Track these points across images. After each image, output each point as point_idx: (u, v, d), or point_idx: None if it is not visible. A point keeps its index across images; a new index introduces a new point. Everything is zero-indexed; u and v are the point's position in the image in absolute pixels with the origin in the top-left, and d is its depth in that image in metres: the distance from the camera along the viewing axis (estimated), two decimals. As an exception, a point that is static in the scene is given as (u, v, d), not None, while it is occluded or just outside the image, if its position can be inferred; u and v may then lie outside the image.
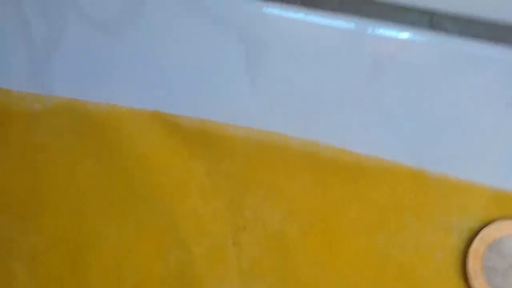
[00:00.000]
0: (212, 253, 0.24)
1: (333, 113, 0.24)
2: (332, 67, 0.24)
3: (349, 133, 0.24)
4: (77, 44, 0.25)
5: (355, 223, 0.22)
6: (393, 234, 0.22)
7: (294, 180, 0.23)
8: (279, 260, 0.23)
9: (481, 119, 0.23)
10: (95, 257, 0.24)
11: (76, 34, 0.25)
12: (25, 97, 0.25)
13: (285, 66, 0.24)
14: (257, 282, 0.23)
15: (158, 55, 0.25)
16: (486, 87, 0.22)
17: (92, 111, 0.24)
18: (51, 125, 0.25)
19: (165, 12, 0.25)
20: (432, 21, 0.23)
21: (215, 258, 0.24)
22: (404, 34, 0.22)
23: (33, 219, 0.25)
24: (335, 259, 0.23)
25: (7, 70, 0.25)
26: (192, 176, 0.24)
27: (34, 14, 0.25)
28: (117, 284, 0.24)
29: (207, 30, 0.24)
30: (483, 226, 0.23)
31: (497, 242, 0.23)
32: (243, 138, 0.23)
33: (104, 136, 0.24)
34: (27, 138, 0.25)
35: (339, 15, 0.23)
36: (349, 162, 0.23)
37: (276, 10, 0.23)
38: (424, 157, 0.23)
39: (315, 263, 0.23)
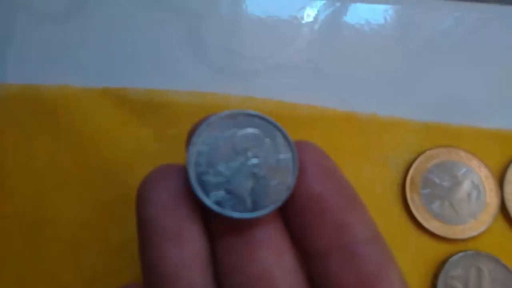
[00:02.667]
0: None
1: (269, 73, 0.26)
2: (267, 34, 0.26)
3: (285, 90, 0.25)
4: (28, 36, 0.27)
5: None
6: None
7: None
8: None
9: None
10: (53, 232, 0.25)
11: (26, 27, 0.27)
12: (-21, 88, 0.26)
13: (221, 35, 0.26)
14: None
15: (105, 39, 0.27)
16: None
17: (45, 94, 0.26)
18: (6, 111, 0.26)
19: (109, 1, 0.27)
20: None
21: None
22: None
23: (-9, 203, 0.25)
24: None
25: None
26: (141, 144, 0.25)
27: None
28: (77, 256, 0.25)
29: (148, 12, 0.26)
30: (416, 158, 0.24)
31: (430, 170, 0.24)
32: (187, 102, 0.25)
33: (57, 116, 0.26)
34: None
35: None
36: (286, 113, 0.24)
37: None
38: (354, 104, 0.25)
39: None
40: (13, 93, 0.26)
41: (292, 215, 0.15)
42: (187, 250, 0.14)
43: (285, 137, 0.15)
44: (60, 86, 0.26)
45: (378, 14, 0.27)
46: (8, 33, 0.27)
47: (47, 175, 0.26)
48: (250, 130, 0.15)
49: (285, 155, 0.15)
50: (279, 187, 0.15)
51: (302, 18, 0.27)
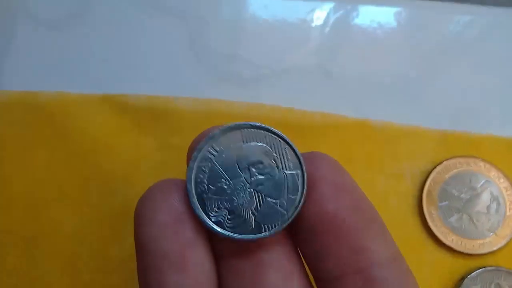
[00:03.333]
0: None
1: (276, 79, 0.25)
2: (274, 38, 0.25)
3: (293, 96, 0.24)
4: (26, 42, 0.26)
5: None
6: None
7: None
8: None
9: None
10: (51, 247, 0.24)
11: (25, 33, 0.26)
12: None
13: (226, 40, 0.25)
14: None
15: (105, 44, 0.26)
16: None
17: (43, 101, 0.25)
18: (4, 120, 0.25)
19: (110, 6, 0.26)
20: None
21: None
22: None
23: (-13, 216, 0.24)
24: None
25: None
26: (142, 154, 0.24)
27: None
28: (74, 272, 0.23)
29: (149, 17, 0.25)
30: (433, 168, 0.23)
31: (448, 182, 0.23)
32: (190, 110, 0.24)
33: (55, 125, 0.25)
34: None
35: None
36: (295, 120, 0.23)
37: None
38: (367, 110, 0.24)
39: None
40: (11, 100, 0.25)
41: (304, 236, 0.14)
42: (190, 277, 0.13)
43: (293, 151, 0.14)
44: (59, 92, 0.25)
45: (390, 16, 0.26)
46: (6, 39, 0.26)
47: (44, 187, 0.24)
48: (254, 143, 0.14)
49: (293, 171, 0.14)
50: (286, 207, 0.14)
51: (311, 21, 0.25)
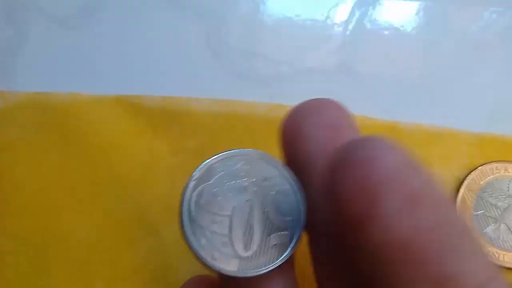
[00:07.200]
0: (183, 234, 0.22)
1: (296, 77, 0.23)
2: (295, 35, 0.24)
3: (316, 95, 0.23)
4: (39, 41, 0.25)
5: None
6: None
7: (261, 148, 0.22)
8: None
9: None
10: (63, 254, 0.23)
11: (37, 32, 0.25)
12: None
13: (244, 37, 0.24)
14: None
15: (119, 43, 0.25)
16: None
17: (55, 103, 0.24)
18: (15, 122, 0.24)
19: (124, 2, 0.25)
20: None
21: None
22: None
23: (-2, 221, 0.24)
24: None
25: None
26: (157, 157, 0.23)
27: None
28: (87, 280, 0.22)
29: (164, 14, 0.24)
30: (467, 174, 0.21)
31: (483, 189, 0.21)
32: (207, 111, 0.23)
33: (67, 127, 0.24)
34: (-9, 138, 0.24)
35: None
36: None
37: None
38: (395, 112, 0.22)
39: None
40: (22, 102, 0.24)
41: (364, 265, 0.10)
42: None
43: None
44: (71, 93, 0.24)
45: (417, 11, 0.24)
46: (19, 38, 0.25)
47: (56, 192, 0.24)
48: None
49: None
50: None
51: (334, 17, 0.24)
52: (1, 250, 0.23)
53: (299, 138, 0.13)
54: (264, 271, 0.13)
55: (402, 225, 0.09)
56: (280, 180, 0.13)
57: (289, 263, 0.13)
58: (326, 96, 0.23)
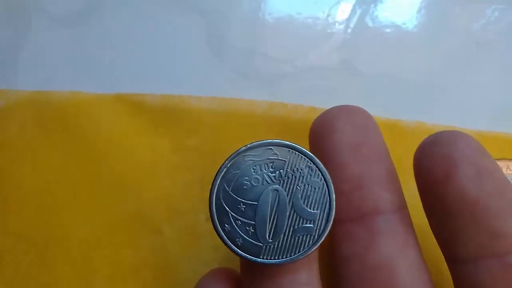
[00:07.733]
0: (185, 233, 0.22)
1: (298, 76, 0.23)
2: (297, 32, 0.24)
3: (317, 94, 0.23)
4: (40, 39, 0.25)
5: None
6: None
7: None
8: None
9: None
10: (63, 252, 0.23)
11: (38, 30, 0.25)
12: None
13: (245, 34, 0.24)
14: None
15: (120, 41, 0.24)
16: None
17: (55, 101, 0.24)
18: (16, 120, 0.24)
19: (124, 2, 0.25)
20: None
21: (188, 238, 0.22)
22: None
23: (-2, 220, 0.24)
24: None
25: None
26: (158, 156, 0.23)
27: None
28: (88, 278, 0.22)
29: (165, 13, 0.24)
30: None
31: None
32: (208, 109, 0.23)
33: (68, 125, 0.24)
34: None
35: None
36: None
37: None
38: (397, 110, 0.22)
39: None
40: (23, 101, 0.24)
41: (439, 217, 0.14)
42: None
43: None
44: (72, 92, 0.24)
45: (420, 8, 0.24)
46: (19, 37, 0.25)
47: (56, 190, 0.24)
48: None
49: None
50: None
51: (336, 15, 0.24)
52: (1, 248, 0.23)
53: (330, 132, 0.15)
54: (288, 260, 0.13)
55: (471, 188, 0.13)
56: (308, 172, 0.13)
57: (314, 256, 0.14)
58: (327, 94, 0.23)
